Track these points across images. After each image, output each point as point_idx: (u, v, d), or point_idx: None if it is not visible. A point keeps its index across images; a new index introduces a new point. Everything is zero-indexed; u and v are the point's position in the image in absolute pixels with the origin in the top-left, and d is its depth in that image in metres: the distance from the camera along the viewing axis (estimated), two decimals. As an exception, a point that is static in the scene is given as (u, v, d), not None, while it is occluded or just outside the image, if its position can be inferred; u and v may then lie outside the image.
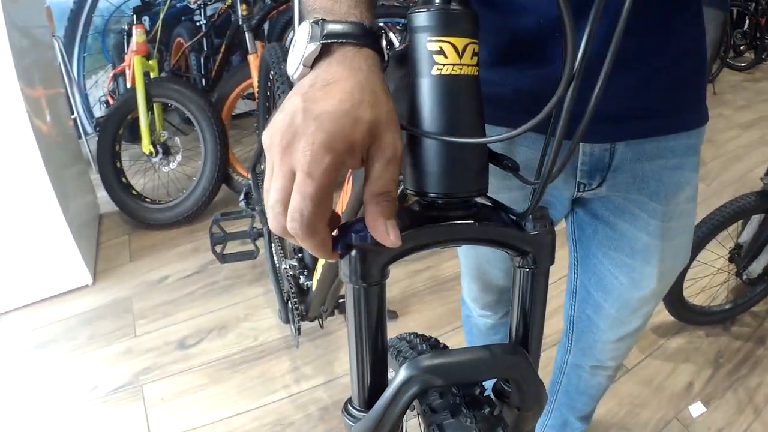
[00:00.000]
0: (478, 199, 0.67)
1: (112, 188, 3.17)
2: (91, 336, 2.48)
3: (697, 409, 2.13)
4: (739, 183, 3.78)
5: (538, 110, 0.56)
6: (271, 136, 0.56)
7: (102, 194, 3.30)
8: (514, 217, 0.68)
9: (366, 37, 0.60)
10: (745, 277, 2.46)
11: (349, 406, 0.73)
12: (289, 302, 1.90)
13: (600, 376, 1.47)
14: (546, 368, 1.65)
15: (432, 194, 0.63)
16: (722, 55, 5.97)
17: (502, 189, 1.04)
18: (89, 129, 4.31)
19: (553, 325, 1.43)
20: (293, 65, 0.62)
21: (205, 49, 3.88)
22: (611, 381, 1.52)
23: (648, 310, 1.25)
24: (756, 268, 2.41)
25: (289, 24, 3.82)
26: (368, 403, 0.69)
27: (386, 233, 0.57)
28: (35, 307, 2.69)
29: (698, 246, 2.14)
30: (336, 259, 0.62)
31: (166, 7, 3.80)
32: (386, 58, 0.64)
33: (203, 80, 3.89)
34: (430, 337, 0.97)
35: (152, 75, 3.24)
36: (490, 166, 0.67)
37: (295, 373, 2.22)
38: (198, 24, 3.98)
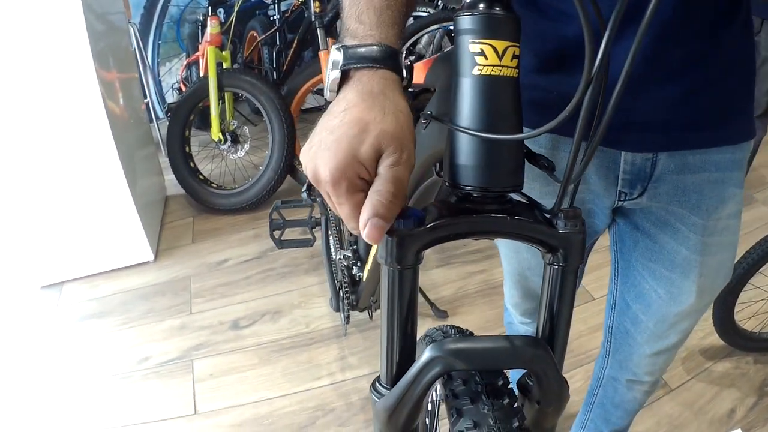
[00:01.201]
0: (513, 195, 0.70)
1: (180, 172, 3.27)
2: (148, 310, 2.57)
3: (736, 436, 2.09)
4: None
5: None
6: (306, 162, 0.63)
7: (170, 177, 3.41)
8: (547, 215, 0.69)
9: (382, 59, 0.64)
10: (800, 304, 2.37)
11: (376, 383, 0.76)
12: (341, 291, 1.94)
13: (636, 390, 1.46)
14: (587, 381, 1.65)
15: (468, 187, 0.66)
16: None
17: (544, 194, 1.05)
18: (161, 114, 4.41)
19: (599, 338, 1.44)
20: (326, 91, 0.68)
21: (278, 43, 3.94)
22: (647, 396, 1.51)
23: (686, 326, 1.24)
24: (812, 295, 2.32)
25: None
26: (394, 381, 0.72)
27: (363, 225, 0.60)
28: (96, 278, 2.81)
29: (752, 269, 2.09)
30: None
31: (240, 0, 3.87)
32: (405, 74, 0.68)
33: (274, 73, 3.95)
34: (466, 330, 0.99)
35: (225, 66, 3.30)
36: (536, 171, 0.71)
37: (342, 362, 2.27)
38: (272, 18, 4.07)
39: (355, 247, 1.88)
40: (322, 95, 3.09)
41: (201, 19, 3.89)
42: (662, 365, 1.38)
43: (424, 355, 0.68)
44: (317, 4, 3.07)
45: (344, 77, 0.65)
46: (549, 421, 0.78)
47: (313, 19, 3.10)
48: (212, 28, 3.27)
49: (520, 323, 1.50)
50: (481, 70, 0.62)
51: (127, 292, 2.70)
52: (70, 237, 2.69)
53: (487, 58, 0.61)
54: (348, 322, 1.99)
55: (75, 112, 2.44)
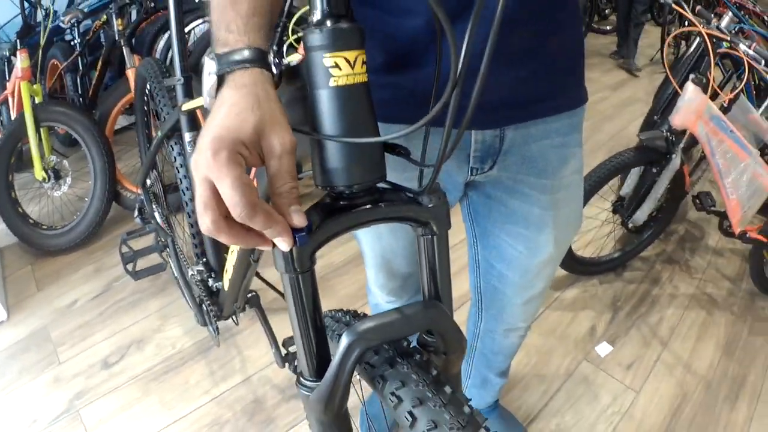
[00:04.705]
0: (380, 185, 0.77)
1: (10, 219, 3.09)
2: (20, 370, 2.44)
3: (603, 348, 2.30)
4: (612, 141, 4.01)
5: (433, 105, 0.67)
6: (194, 166, 0.65)
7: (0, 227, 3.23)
8: (412, 195, 0.79)
9: (252, 59, 0.69)
10: (631, 225, 2.62)
11: (301, 379, 0.83)
12: (203, 305, 1.95)
13: (513, 336, 1.59)
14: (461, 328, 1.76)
15: (339, 187, 0.72)
16: (587, 20, 6.10)
17: (401, 180, 1.13)
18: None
19: (457, 283, 1.55)
20: (204, 99, 0.73)
21: (81, 68, 3.78)
22: (523, 339, 1.64)
23: (549, 272, 1.37)
24: (640, 216, 2.56)
25: (157, 36, 3.76)
26: (318, 373, 0.80)
27: (292, 218, 0.67)
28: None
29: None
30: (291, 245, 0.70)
31: (47, 30, 3.69)
32: (275, 70, 0.73)
33: (80, 100, 3.77)
34: (351, 310, 1.09)
35: (37, 100, 3.15)
36: (392, 163, 0.78)
37: (214, 375, 2.31)
38: (72, 44, 3.88)
39: (204, 259, 1.89)
40: (132, 115, 3.04)
41: (7, 54, 3.67)
42: (534, 310, 1.53)
43: (342, 342, 0.75)
44: (120, 21, 3.02)
45: (220, 82, 0.70)
46: (454, 366, 0.89)
47: (117, 38, 3.04)
48: (22, 62, 3.09)
49: (386, 302, 1.57)
50: (337, 81, 0.67)
51: (-5, 357, 2.57)
52: None
53: (341, 69, 0.66)
54: (218, 333, 2.00)
55: None
